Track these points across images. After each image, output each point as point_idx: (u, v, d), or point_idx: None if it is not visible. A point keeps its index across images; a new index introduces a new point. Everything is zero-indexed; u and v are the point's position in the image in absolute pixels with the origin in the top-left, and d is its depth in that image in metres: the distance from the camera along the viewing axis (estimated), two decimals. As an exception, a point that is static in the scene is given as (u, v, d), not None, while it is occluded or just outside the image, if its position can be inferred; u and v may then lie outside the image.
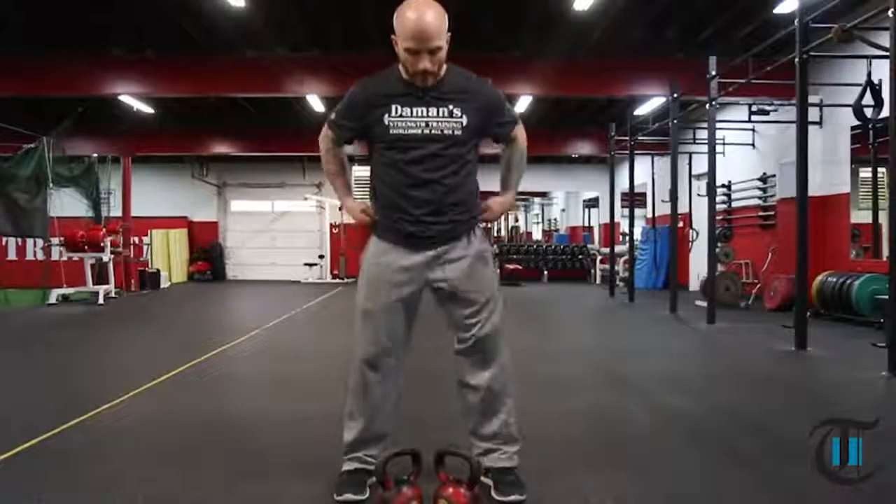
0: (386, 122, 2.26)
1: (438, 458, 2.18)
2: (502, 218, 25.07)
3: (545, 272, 16.13)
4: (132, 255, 13.43)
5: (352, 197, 2.50)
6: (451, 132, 2.26)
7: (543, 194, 24.37)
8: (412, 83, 2.25)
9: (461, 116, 2.26)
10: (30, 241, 14.27)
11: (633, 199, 12.52)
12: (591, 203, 19.90)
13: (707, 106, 7.82)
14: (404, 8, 2.17)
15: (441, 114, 2.25)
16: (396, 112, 2.24)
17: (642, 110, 11.14)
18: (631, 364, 5.27)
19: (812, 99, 6.97)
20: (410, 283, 2.34)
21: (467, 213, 2.36)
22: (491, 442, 2.39)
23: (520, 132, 2.47)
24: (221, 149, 14.79)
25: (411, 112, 2.24)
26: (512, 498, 2.30)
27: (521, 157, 2.51)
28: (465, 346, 2.36)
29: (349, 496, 2.32)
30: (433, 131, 2.24)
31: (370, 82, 2.35)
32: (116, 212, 13.00)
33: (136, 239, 14.16)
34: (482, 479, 2.40)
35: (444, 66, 2.27)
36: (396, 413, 2.45)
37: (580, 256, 16.42)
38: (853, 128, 7.97)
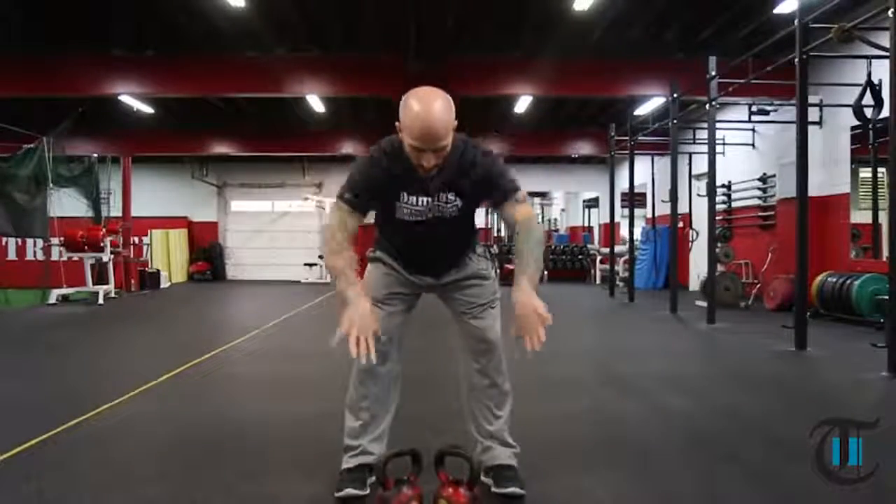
0: (395, 206, 2.29)
1: (438, 458, 2.18)
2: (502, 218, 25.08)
3: (545, 272, 16.12)
4: (132, 256, 13.42)
5: (362, 294, 2.14)
6: (451, 214, 2.30)
7: (543, 194, 24.34)
8: (417, 175, 2.21)
9: (460, 200, 2.29)
10: (30, 241, 14.28)
11: (633, 199, 12.52)
12: (591, 203, 19.90)
13: (707, 106, 7.81)
14: (410, 99, 2.09)
15: (443, 199, 2.27)
16: (404, 199, 2.26)
17: (642, 110, 11.14)
18: (631, 364, 5.27)
19: (812, 99, 6.97)
20: (410, 285, 2.43)
21: (467, 250, 2.46)
22: (491, 440, 2.40)
23: (525, 209, 2.26)
24: (221, 149, 14.78)
25: (416, 200, 2.26)
26: (511, 489, 2.31)
27: (536, 242, 2.20)
28: (470, 339, 2.41)
29: (350, 491, 2.32)
30: (435, 214, 2.29)
31: (382, 164, 2.23)
32: (116, 212, 13.00)
33: (136, 239, 14.14)
34: (482, 478, 2.41)
35: (451, 149, 2.20)
36: (395, 395, 2.48)
37: (580, 256, 16.42)
38: (853, 128, 7.97)
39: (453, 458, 2.18)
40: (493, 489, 2.35)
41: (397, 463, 2.17)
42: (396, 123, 2.14)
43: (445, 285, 2.43)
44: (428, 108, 2.06)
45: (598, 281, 15.20)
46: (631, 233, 12.34)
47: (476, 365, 2.40)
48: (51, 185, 10.73)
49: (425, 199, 2.26)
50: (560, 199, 23.61)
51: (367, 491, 2.35)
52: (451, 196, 2.27)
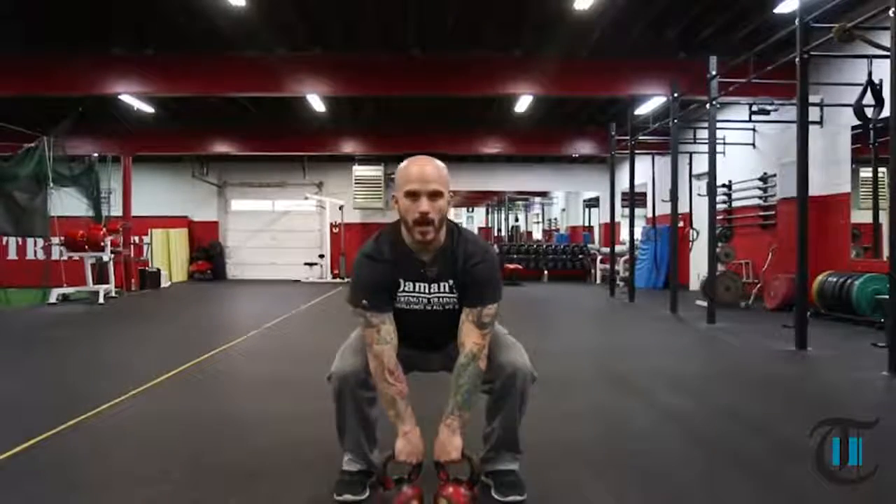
0: (395, 296, 2.28)
1: (438, 462, 2.18)
2: (503, 219, 25.12)
3: (545, 272, 16.14)
4: (132, 255, 13.41)
5: (413, 425, 2.17)
6: (450, 307, 2.28)
7: (543, 194, 24.36)
8: (416, 257, 2.24)
9: (457, 293, 2.27)
10: (30, 241, 14.27)
11: (634, 198, 12.52)
12: (592, 203, 19.90)
13: (707, 106, 7.81)
14: (406, 162, 2.22)
15: (441, 289, 2.27)
16: (402, 287, 2.27)
17: (642, 110, 11.13)
18: (631, 363, 5.27)
19: (812, 98, 6.95)
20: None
21: None
22: (497, 445, 2.38)
23: (480, 339, 2.19)
24: (222, 148, 14.78)
25: (414, 287, 2.27)
26: (511, 498, 2.30)
27: (474, 383, 2.17)
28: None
29: (349, 497, 2.32)
30: (434, 307, 2.28)
31: (383, 254, 2.26)
32: (117, 211, 12.98)
33: (137, 238, 14.13)
34: (483, 478, 2.41)
35: (447, 230, 2.26)
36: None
37: (580, 256, 16.43)
38: (854, 127, 7.96)
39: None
40: (494, 494, 2.34)
41: (397, 464, 2.17)
42: (392, 195, 2.26)
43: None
44: (421, 158, 2.22)
45: (598, 280, 15.21)
46: (631, 232, 12.34)
47: (493, 392, 2.32)
48: (51, 184, 10.72)
49: (423, 285, 2.26)
50: (560, 199, 23.61)
51: (366, 495, 2.36)
52: (447, 286, 2.26)
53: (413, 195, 2.14)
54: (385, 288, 2.24)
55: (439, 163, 2.22)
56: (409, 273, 2.25)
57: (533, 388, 2.32)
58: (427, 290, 2.27)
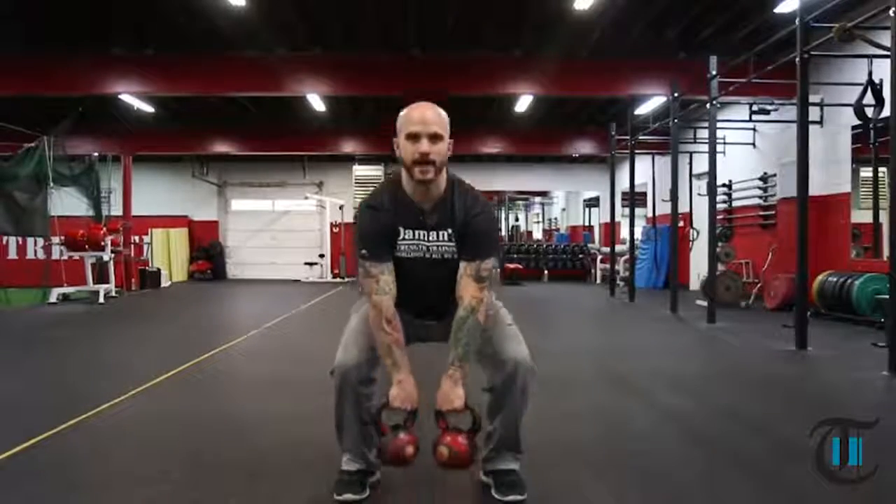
0: (395, 245, 2.29)
1: (439, 410, 2.20)
2: (503, 219, 25.10)
3: (546, 272, 16.13)
4: (133, 255, 13.42)
5: (407, 374, 2.21)
6: (448, 256, 2.29)
7: (543, 194, 24.36)
8: (416, 206, 2.26)
9: (455, 244, 2.29)
10: (30, 241, 14.28)
11: (634, 198, 12.52)
12: (592, 202, 19.90)
13: (708, 105, 7.81)
14: (407, 108, 2.25)
15: (441, 237, 2.28)
16: (402, 235, 2.28)
17: (643, 110, 11.14)
18: (631, 363, 5.27)
19: (813, 98, 6.95)
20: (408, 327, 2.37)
21: None
22: (499, 445, 2.38)
23: (479, 293, 2.21)
24: (222, 148, 14.78)
25: (414, 235, 2.28)
26: (511, 498, 2.30)
27: (472, 338, 2.19)
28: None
29: (349, 496, 2.32)
30: (434, 255, 2.29)
31: (378, 207, 2.29)
32: (117, 211, 12.99)
33: (137, 238, 14.14)
34: (483, 477, 2.41)
35: (447, 180, 2.29)
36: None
37: (580, 256, 16.42)
38: (854, 127, 7.96)
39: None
40: (494, 494, 2.34)
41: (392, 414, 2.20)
42: (393, 140, 2.25)
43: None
44: (422, 103, 2.25)
45: (598, 280, 15.21)
46: (631, 232, 12.34)
47: (493, 387, 2.31)
48: (51, 184, 10.72)
49: (423, 233, 2.27)
50: (561, 199, 23.61)
51: (366, 494, 2.36)
52: (446, 234, 2.27)
53: (414, 137, 2.18)
54: (385, 237, 2.26)
55: (440, 109, 2.25)
56: (408, 221, 2.27)
57: (533, 388, 2.32)
58: (426, 238, 2.28)
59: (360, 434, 2.35)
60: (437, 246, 2.29)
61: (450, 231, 2.28)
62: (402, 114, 2.24)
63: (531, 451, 2.49)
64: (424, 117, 2.20)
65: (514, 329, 2.38)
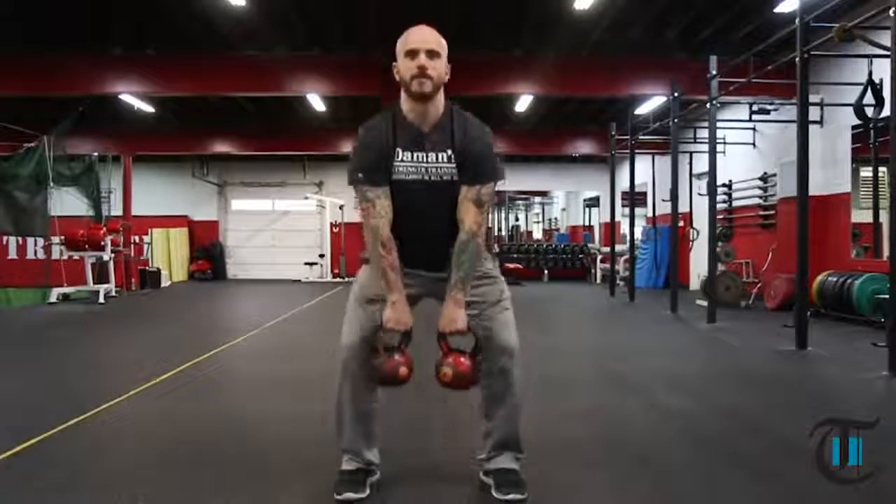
0: (392, 168, 2.27)
1: (441, 333, 2.25)
2: (503, 219, 25.10)
3: (546, 271, 16.13)
4: (133, 254, 13.42)
5: (400, 296, 2.25)
6: (447, 178, 2.28)
7: (544, 194, 24.35)
8: (415, 128, 2.26)
9: (455, 165, 2.27)
10: (30, 240, 14.27)
11: (634, 198, 12.51)
12: (592, 202, 19.89)
13: (708, 105, 7.80)
14: (405, 32, 2.29)
15: (441, 159, 2.27)
16: (399, 157, 2.26)
17: (643, 110, 11.13)
18: (631, 363, 5.27)
19: (813, 98, 6.95)
20: (412, 286, 2.35)
21: None
22: (498, 447, 2.38)
23: (478, 216, 2.26)
24: (222, 148, 14.79)
25: (412, 157, 2.27)
26: (511, 497, 2.30)
27: (471, 261, 2.25)
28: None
29: (349, 495, 2.32)
30: (432, 177, 2.27)
31: (374, 128, 2.30)
32: (117, 211, 12.99)
33: (137, 238, 14.15)
34: (483, 477, 2.41)
35: (446, 105, 2.30)
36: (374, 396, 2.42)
37: (581, 256, 16.42)
38: (854, 127, 7.96)
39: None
40: (494, 493, 2.34)
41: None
42: (392, 65, 2.27)
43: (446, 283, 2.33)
44: (421, 27, 2.29)
45: (598, 280, 15.20)
46: (631, 232, 12.33)
47: (487, 379, 2.32)
48: (51, 184, 10.73)
49: (419, 154, 2.26)
50: (561, 199, 23.61)
51: (367, 493, 2.35)
52: (445, 156, 2.27)
53: (412, 53, 2.20)
54: (381, 160, 2.25)
55: (436, 32, 2.28)
56: (406, 143, 2.26)
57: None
58: (425, 160, 2.27)
59: (360, 431, 2.36)
60: (437, 168, 2.27)
61: (449, 153, 2.27)
62: (400, 39, 2.26)
63: (531, 450, 2.49)
64: (422, 36, 2.24)
65: (508, 314, 2.39)
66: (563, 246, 17.27)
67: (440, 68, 2.23)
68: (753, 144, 10.72)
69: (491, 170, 2.29)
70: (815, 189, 6.72)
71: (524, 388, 2.40)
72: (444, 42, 2.26)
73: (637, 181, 11.75)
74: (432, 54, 2.21)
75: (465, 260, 2.24)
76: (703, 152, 9.69)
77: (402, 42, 2.26)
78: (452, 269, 2.26)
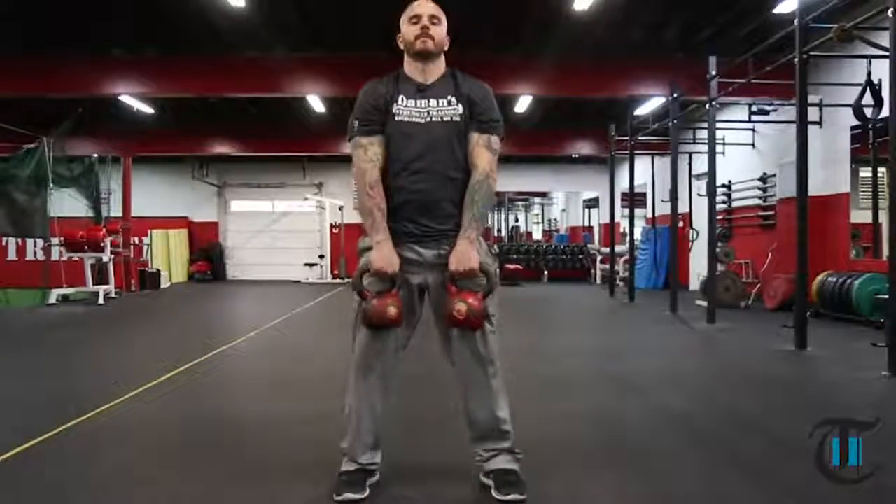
0: (392, 111, 2.35)
1: (451, 277, 2.26)
2: (503, 219, 25.11)
3: (545, 272, 16.13)
4: (132, 255, 13.42)
5: (387, 237, 2.29)
6: (450, 118, 2.35)
7: (543, 194, 24.37)
8: (415, 80, 2.38)
9: (458, 105, 2.37)
10: (30, 241, 14.25)
11: (633, 198, 12.52)
12: (592, 203, 19.90)
13: (707, 106, 7.81)
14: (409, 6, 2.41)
15: (441, 104, 2.37)
16: (402, 102, 2.36)
17: (642, 110, 11.14)
18: (631, 363, 5.27)
19: (812, 99, 6.97)
20: (415, 274, 2.36)
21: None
22: (494, 446, 2.39)
23: (490, 161, 2.33)
24: (221, 149, 14.78)
25: (415, 103, 2.36)
26: (511, 498, 2.30)
27: (485, 201, 2.32)
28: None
29: (349, 496, 2.32)
30: (433, 119, 2.35)
31: (377, 81, 2.43)
32: (116, 212, 12.98)
33: (137, 239, 14.15)
34: (483, 478, 2.41)
35: (446, 70, 2.43)
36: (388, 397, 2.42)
37: (580, 256, 16.42)
38: (853, 127, 7.97)
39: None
40: (494, 494, 2.34)
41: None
42: (397, 36, 2.41)
43: (445, 266, 2.31)
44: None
45: (598, 281, 15.20)
46: (631, 232, 12.34)
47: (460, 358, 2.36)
48: (51, 185, 10.73)
49: (422, 101, 2.35)
50: (560, 199, 23.61)
51: (366, 494, 2.35)
52: (446, 101, 2.36)
53: (415, 17, 2.35)
54: (379, 106, 2.34)
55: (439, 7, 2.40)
56: (409, 92, 2.37)
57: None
58: (427, 105, 2.36)
59: (366, 432, 2.37)
60: (438, 110, 2.35)
61: (450, 98, 2.37)
62: (404, 13, 2.40)
63: (531, 450, 2.49)
64: (425, 4, 2.37)
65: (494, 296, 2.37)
66: (562, 246, 17.28)
67: (442, 34, 2.38)
68: (753, 145, 10.73)
69: (498, 120, 2.39)
70: (814, 189, 6.72)
71: (510, 381, 2.40)
72: (443, 15, 2.40)
73: (637, 182, 11.77)
74: (434, 19, 2.36)
75: (479, 199, 2.31)
76: (703, 153, 9.70)
77: (405, 13, 2.39)
78: (466, 206, 2.32)
